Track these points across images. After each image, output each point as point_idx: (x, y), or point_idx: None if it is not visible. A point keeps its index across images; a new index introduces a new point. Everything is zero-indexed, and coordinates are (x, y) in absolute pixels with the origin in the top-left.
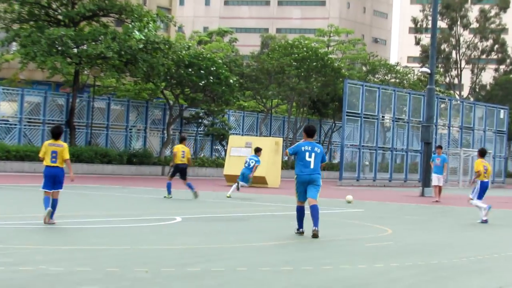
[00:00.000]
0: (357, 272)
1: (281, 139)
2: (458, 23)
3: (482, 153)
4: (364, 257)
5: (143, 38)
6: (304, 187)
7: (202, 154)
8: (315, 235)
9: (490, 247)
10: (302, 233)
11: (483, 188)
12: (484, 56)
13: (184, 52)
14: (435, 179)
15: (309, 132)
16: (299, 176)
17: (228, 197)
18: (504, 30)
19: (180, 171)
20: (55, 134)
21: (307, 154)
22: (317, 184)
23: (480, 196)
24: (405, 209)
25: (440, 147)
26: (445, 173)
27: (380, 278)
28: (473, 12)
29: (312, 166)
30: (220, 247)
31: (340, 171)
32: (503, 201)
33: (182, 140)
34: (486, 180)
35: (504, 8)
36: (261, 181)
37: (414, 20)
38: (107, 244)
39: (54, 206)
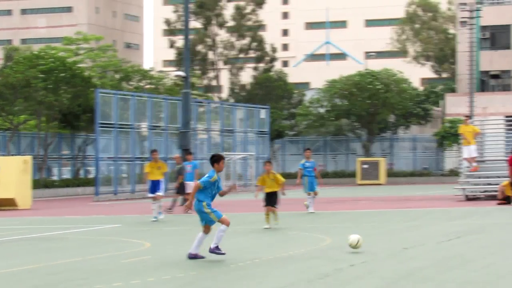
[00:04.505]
0: None
1: (30, 157)
2: (214, 22)
3: None
4: (119, 274)
5: None
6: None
7: None
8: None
9: (250, 252)
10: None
11: None
12: (242, 55)
13: None
14: (189, 187)
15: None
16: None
17: None
18: (261, 26)
19: None
20: None
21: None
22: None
23: None
24: (165, 221)
25: (190, 153)
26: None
27: None
28: (229, 10)
29: None
30: None
31: (96, 186)
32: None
33: None
34: None
35: (259, 3)
36: (9, 203)
37: (167, 22)
38: None
39: None
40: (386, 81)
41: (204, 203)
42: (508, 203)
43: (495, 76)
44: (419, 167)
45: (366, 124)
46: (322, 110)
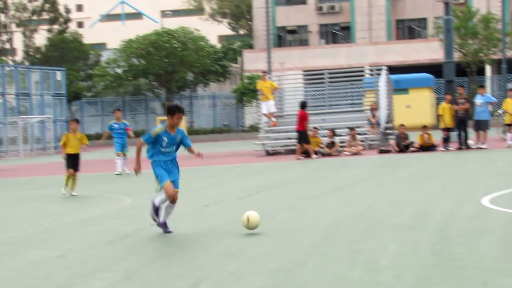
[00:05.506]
0: None
1: None
2: None
3: None
4: None
5: None
6: None
7: None
8: None
9: (50, 217)
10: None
11: None
12: (35, 17)
13: None
14: None
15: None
16: None
17: None
18: None
19: None
20: None
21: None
22: None
23: None
24: None
25: None
26: None
27: None
28: None
29: None
30: None
31: None
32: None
33: None
34: None
35: None
36: None
37: None
38: None
39: None
40: (183, 39)
41: (151, 161)
42: (308, 156)
43: (292, 32)
44: (219, 124)
45: (165, 83)
46: (119, 71)
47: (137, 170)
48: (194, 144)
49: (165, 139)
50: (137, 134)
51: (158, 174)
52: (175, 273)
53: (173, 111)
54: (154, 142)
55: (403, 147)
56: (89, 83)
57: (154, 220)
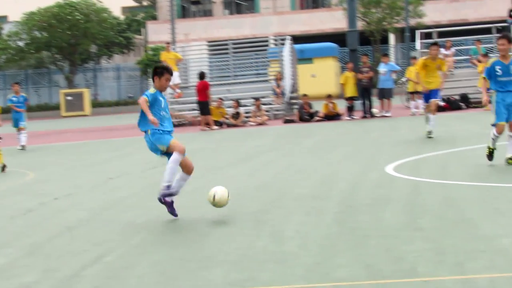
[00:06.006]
0: None
1: None
2: None
3: None
4: None
5: None
6: None
7: None
8: None
9: None
10: None
11: None
12: None
13: None
14: None
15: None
16: None
17: None
18: None
19: None
20: None
21: None
22: None
23: None
24: None
25: None
26: None
27: None
28: None
29: None
30: None
31: None
32: None
33: None
34: None
35: None
36: None
37: None
38: None
39: None
40: (85, 11)
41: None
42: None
43: (196, 2)
44: (124, 96)
45: (68, 55)
46: (21, 44)
47: (155, 122)
48: (99, 116)
49: (162, 99)
50: (41, 108)
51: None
52: (79, 247)
53: (161, 73)
54: (153, 103)
55: (306, 118)
56: None
57: (165, 201)
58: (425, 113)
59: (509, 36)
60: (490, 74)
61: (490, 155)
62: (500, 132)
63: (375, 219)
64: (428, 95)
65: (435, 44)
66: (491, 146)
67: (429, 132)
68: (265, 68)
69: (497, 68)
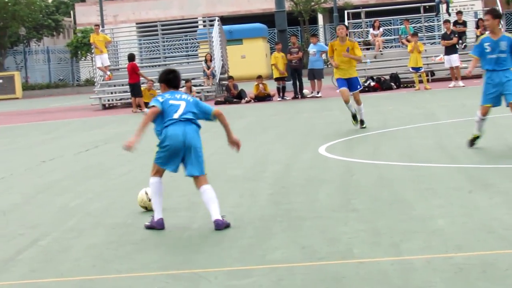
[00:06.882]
0: None
1: None
2: None
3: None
4: None
5: None
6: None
7: None
8: None
9: None
10: None
11: None
12: None
13: None
14: None
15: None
16: None
17: None
18: None
19: None
20: None
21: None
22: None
23: None
24: None
25: None
26: None
27: None
28: None
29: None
30: None
31: None
32: None
33: None
34: None
35: None
36: None
37: None
38: None
39: None
40: None
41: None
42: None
43: None
44: (55, 79)
45: None
46: None
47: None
48: (30, 99)
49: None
50: None
51: None
52: (14, 231)
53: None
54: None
55: (233, 100)
56: None
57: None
58: (346, 105)
59: (494, 10)
60: (481, 51)
61: (472, 142)
62: (484, 114)
63: (309, 200)
64: (343, 82)
65: (341, 24)
66: (475, 133)
67: (361, 122)
68: (195, 50)
69: (486, 45)
